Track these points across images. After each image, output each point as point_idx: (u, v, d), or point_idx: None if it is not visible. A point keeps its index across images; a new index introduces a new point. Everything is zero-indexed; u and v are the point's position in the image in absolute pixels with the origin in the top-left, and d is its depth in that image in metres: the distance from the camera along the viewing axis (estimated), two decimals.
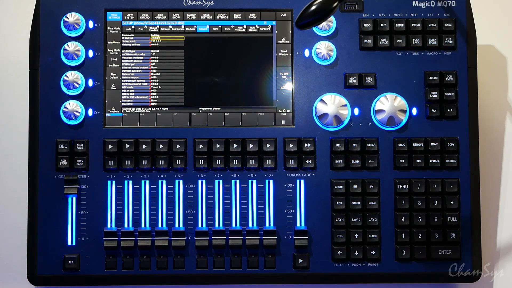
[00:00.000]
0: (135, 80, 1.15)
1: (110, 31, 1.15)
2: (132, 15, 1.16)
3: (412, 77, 1.15)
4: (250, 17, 1.16)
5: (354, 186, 1.13)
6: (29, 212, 1.12)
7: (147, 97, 1.15)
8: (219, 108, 1.15)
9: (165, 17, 1.16)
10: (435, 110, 1.14)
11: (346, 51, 1.15)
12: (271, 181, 1.13)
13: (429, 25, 1.15)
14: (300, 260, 1.12)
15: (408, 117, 1.14)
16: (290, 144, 1.13)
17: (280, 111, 1.15)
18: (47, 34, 1.14)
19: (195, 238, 1.12)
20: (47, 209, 1.12)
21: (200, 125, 1.14)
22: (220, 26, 1.16)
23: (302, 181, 1.13)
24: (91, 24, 1.15)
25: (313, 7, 1.00)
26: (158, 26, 1.16)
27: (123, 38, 1.16)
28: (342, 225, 1.12)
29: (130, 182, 1.13)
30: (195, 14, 1.16)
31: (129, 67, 1.15)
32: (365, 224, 1.13)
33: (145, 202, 1.13)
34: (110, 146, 1.13)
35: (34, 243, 1.11)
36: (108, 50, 1.15)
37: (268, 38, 1.16)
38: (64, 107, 1.13)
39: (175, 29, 1.16)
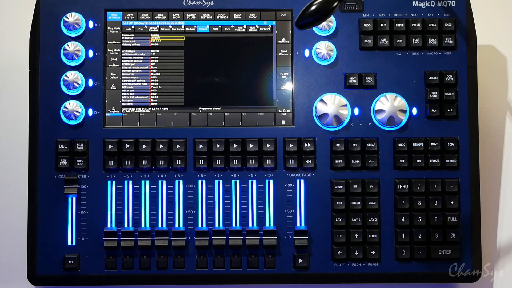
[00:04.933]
0: (135, 80, 1.15)
1: (110, 31, 1.15)
2: (132, 15, 1.16)
3: (412, 77, 1.15)
4: (250, 17, 1.16)
5: (354, 186, 1.13)
6: (29, 212, 1.12)
7: (147, 97, 1.15)
8: (219, 108, 1.15)
9: (165, 17, 1.16)
10: (435, 110, 1.14)
11: (346, 51, 1.15)
12: (271, 181, 1.13)
13: (429, 25, 1.15)
14: (300, 260, 1.12)
15: (408, 117, 1.14)
16: (290, 144, 1.13)
17: (280, 111, 1.15)
18: (47, 34, 1.14)
19: (195, 238, 1.12)
20: (47, 209, 1.12)
21: (200, 125, 1.14)
22: (220, 26, 1.16)
23: (302, 181, 1.13)
24: (91, 24, 1.15)
25: (313, 7, 1.00)
26: (158, 26, 1.16)
27: (123, 38, 1.16)
28: (342, 225, 1.12)
29: (130, 182, 1.13)
30: (195, 14, 1.16)
31: (129, 67, 1.15)
32: (365, 224, 1.13)
33: (145, 202, 1.13)
34: (110, 146, 1.13)
35: (34, 243, 1.11)
36: (108, 50, 1.15)
37: (268, 38, 1.16)
38: (64, 107, 1.13)
39: (175, 29, 1.16)
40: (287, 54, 1.16)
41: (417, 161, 1.13)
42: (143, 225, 1.13)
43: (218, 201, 1.13)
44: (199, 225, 1.13)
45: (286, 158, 1.13)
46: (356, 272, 1.12)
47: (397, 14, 1.15)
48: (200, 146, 1.13)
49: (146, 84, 1.15)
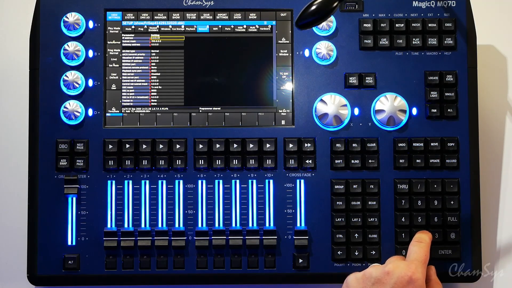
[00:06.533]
0: (135, 80, 1.15)
1: (110, 31, 1.15)
2: (132, 15, 1.16)
3: (412, 77, 1.15)
4: (250, 17, 1.16)
5: (354, 186, 1.13)
6: (29, 212, 1.12)
7: (147, 97, 1.15)
8: (219, 108, 1.15)
9: (165, 17, 1.16)
10: (435, 110, 1.14)
11: (346, 51, 1.15)
12: (271, 181, 1.13)
13: (429, 25, 1.15)
14: (300, 260, 1.12)
15: (408, 117, 1.14)
16: (290, 144, 1.13)
17: (280, 111, 1.15)
18: (47, 34, 1.14)
19: (195, 238, 1.12)
20: (47, 209, 1.12)
21: (200, 125, 1.14)
22: (220, 26, 1.16)
23: (302, 181, 1.13)
24: (91, 24, 1.15)
25: (313, 7, 1.00)
26: (158, 26, 1.16)
27: (123, 38, 1.16)
28: (342, 225, 1.12)
29: (130, 182, 1.13)
30: (195, 14, 1.16)
31: (129, 67, 1.15)
32: (365, 224, 1.13)
33: (145, 202, 1.13)
34: (110, 146, 1.13)
35: (34, 243, 1.11)
36: (108, 50, 1.15)
37: (268, 38, 1.16)
38: (64, 107, 1.13)
39: (175, 29, 1.16)
40: (287, 54, 1.16)
41: (417, 161, 1.13)
42: (143, 225, 1.13)
43: (218, 201, 1.13)
44: (199, 225, 1.13)
45: (286, 158, 1.13)
46: (356, 272, 1.12)
47: (397, 14, 1.15)
48: (200, 146, 1.13)
49: (146, 84, 1.15)
